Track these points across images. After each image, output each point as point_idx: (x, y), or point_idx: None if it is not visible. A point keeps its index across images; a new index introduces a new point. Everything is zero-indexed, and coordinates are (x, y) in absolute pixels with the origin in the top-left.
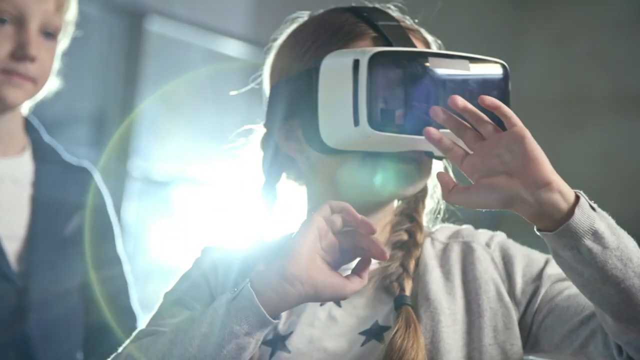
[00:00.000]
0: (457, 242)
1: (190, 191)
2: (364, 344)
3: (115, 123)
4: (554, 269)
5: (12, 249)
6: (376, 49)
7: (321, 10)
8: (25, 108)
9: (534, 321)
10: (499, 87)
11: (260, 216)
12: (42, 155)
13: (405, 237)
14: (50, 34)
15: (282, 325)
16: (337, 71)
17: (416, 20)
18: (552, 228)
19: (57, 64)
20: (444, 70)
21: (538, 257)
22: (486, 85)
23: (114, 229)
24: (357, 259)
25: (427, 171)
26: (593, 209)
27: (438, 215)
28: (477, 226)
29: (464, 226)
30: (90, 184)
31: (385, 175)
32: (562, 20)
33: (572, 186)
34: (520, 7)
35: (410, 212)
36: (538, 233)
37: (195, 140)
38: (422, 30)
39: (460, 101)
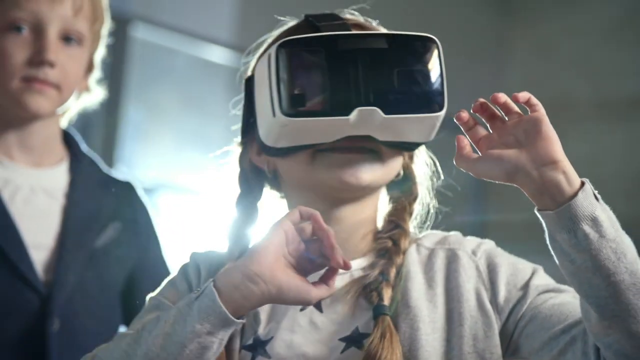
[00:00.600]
0: (442, 249)
1: (175, 198)
2: (344, 351)
3: (99, 129)
4: (541, 280)
5: (40, 258)
6: (283, 39)
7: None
8: (65, 120)
9: (517, 328)
10: (424, 61)
11: (241, 228)
12: (79, 167)
13: (388, 244)
14: (71, 40)
15: (262, 330)
16: (260, 70)
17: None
18: (552, 208)
19: (96, 73)
20: (358, 50)
21: (524, 267)
22: (408, 60)
23: (154, 245)
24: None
25: (377, 159)
26: (597, 198)
27: (426, 223)
28: (465, 233)
29: (452, 233)
30: (127, 201)
31: (330, 167)
32: (546, 27)
33: None
34: (504, 13)
35: (396, 218)
36: (537, 213)
37: (180, 147)
38: (381, 29)
39: (502, 97)
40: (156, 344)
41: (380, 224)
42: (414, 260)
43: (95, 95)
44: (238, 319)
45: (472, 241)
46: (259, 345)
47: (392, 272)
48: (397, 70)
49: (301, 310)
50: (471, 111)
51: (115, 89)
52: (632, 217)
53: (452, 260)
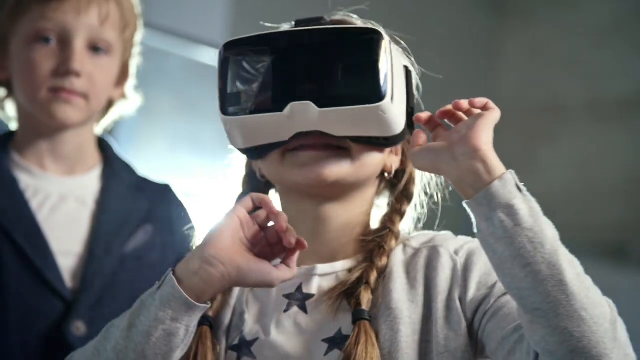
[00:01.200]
0: (426, 247)
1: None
2: (327, 353)
3: None
4: None
5: (67, 265)
6: (227, 40)
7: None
8: (101, 127)
9: (480, 326)
10: (364, 54)
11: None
12: (112, 173)
13: (373, 245)
14: (100, 49)
15: (247, 331)
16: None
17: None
18: (472, 197)
19: (132, 80)
20: (298, 46)
21: None
22: (347, 53)
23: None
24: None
25: (345, 155)
26: (520, 189)
27: (418, 225)
28: (461, 234)
29: (442, 232)
30: (163, 204)
31: (295, 166)
32: (539, 29)
33: (549, 194)
34: (497, 15)
35: (386, 219)
36: (464, 204)
37: (173, 149)
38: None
39: (464, 103)
40: (123, 336)
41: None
42: (398, 260)
43: (132, 102)
44: (204, 303)
45: (458, 240)
46: (244, 346)
47: (373, 276)
48: (335, 64)
49: (285, 311)
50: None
51: None
52: (626, 218)
53: (432, 257)
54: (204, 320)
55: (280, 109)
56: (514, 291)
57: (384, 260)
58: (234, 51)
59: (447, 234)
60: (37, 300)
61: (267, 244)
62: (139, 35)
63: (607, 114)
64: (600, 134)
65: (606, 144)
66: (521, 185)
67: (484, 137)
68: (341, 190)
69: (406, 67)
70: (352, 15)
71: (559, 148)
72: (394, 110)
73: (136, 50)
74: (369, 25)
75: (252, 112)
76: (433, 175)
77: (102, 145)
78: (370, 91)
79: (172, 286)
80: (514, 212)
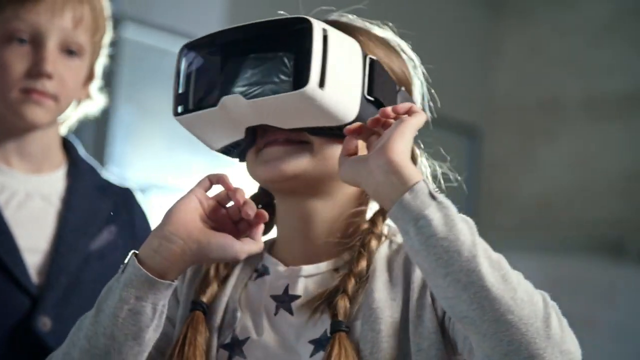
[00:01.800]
0: None
1: (166, 199)
2: (313, 355)
3: (90, 130)
4: None
5: (34, 262)
6: (184, 43)
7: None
8: (65, 127)
9: (450, 324)
10: (290, 43)
11: None
12: (77, 173)
13: (356, 247)
14: (72, 52)
15: (239, 330)
16: None
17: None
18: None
19: (97, 82)
20: (230, 42)
21: None
22: (274, 44)
23: None
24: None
25: (306, 149)
26: (433, 197)
27: None
28: None
29: None
30: (126, 206)
31: (260, 163)
32: (537, 27)
33: (548, 191)
34: (494, 13)
35: (372, 219)
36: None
37: (171, 147)
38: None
39: (389, 111)
40: (92, 322)
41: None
42: (382, 257)
43: (96, 102)
44: (169, 280)
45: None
46: (235, 345)
47: (350, 284)
48: (264, 56)
49: (275, 314)
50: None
51: (106, 89)
52: (624, 215)
53: None
54: (197, 306)
55: (215, 105)
56: (442, 301)
57: (362, 265)
58: (181, 53)
59: None
60: (4, 296)
61: (231, 222)
62: (108, 38)
63: (605, 111)
64: (598, 131)
65: (604, 141)
66: (435, 192)
67: (398, 147)
68: (306, 184)
69: (371, 58)
70: (348, 15)
71: (557, 146)
72: (327, 98)
73: (104, 51)
74: (301, 15)
75: (192, 111)
76: (429, 171)
77: (67, 145)
78: (295, 79)
79: (133, 266)
80: (427, 223)
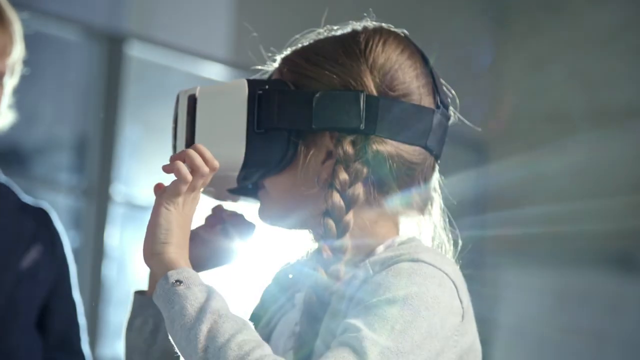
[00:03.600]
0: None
1: None
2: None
3: (97, 148)
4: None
5: None
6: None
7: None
8: None
9: None
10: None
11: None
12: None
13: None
14: None
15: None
16: None
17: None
18: None
19: (7, 100)
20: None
21: (387, 297)
22: (188, 112)
23: (69, 270)
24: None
25: (263, 193)
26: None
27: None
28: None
29: (411, 246)
30: (45, 225)
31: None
32: (541, 40)
33: (554, 203)
34: (499, 27)
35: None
36: None
37: None
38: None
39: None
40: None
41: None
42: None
43: (5, 119)
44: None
45: (403, 258)
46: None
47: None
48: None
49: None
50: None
51: (111, 108)
52: (632, 227)
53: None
54: None
55: None
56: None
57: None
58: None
59: (415, 248)
60: None
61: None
62: (19, 61)
63: (610, 123)
64: (604, 143)
65: (610, 153)
66: (176, 281)
67: (146, 248)
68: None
69: (259, 93)
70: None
71: (564, 158)
72: (198, 156)
73: (16, 72)
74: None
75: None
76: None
77: None
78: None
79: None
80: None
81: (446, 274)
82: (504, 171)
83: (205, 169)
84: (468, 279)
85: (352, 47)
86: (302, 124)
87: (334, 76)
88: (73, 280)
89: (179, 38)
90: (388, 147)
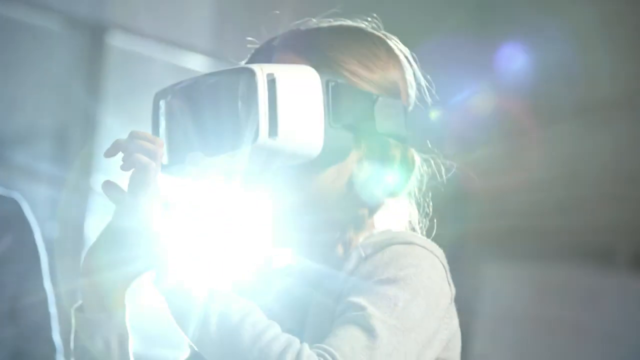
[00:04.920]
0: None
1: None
2: None
3: (78, 138)
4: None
5: None
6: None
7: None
8: None
9: None
10: (238, 95)
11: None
12: None
13: None
14: None
15: None
16: None
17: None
18: None
19: None
20: (188, 95)
21: (386, 275)
22: (225, 96)
23: (40, 260)
24: None
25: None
26: None
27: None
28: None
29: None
30: (16, 215)
31: None
32: (524, 33)
33: (537, 197)
34: (485, 21)
35: None
36: None
37: None
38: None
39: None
40: None
41: None
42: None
43: None
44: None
45: (395, 240)
46: None
47: None
48: (216, 110)
49: None
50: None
51: (93, 98)
52: (614, 221)
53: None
54: None
55: (183, 160)
56: None
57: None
58: (153, 102)
59: (395, 233)
60: None
61: None
62: None
63: (593, 116)
64: (586, 136)
65: (593, 147)
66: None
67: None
68: None
69: (333, 84)
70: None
71: (546, 152)
72: (283, 144)
73: None
74: (244, 65)
75: (166, 167)
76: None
77: None
78: (248, 132)
79: None
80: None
81: (437, 256)
82: (484, 165)
83: (160, 150)
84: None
85: (387, 54)
86: (366, 125)
87: (383, 81)
88: (44, 270)
89: (161, 28)
90: (416, 156)
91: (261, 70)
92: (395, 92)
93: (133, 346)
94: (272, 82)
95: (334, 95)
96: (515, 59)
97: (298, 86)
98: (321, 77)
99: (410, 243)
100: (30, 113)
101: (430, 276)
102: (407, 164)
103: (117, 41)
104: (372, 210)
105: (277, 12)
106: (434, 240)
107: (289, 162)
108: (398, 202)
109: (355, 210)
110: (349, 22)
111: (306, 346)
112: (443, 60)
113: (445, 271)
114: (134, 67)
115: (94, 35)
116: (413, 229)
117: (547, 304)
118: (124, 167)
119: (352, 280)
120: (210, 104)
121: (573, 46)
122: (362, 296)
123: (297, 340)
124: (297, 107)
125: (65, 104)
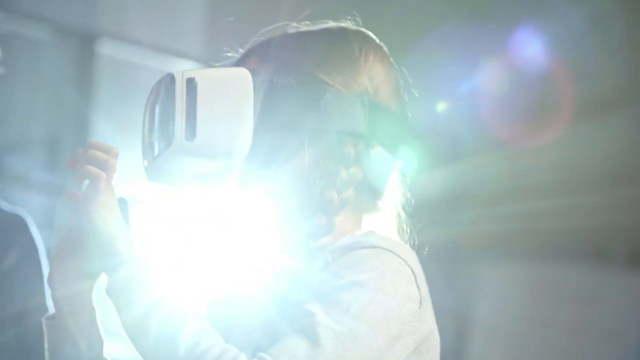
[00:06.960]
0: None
1: (146, 214)
2: None
3: (69, 146)
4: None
5: None
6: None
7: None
8: None
9: None
10: (165, 98)
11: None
12: None
13: None
14: None
15: None
16: None
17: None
18: None
19: None
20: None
21: (344, 280)
22: (161, 101)
23: (44, 279)
24: None
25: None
26: None
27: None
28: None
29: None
30: (21, 232)
31: None
32: (517, 32)
33: (532, 196)
34: (477, 20)
35: None
36: None
37: None
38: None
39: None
40: None
41: None
42: None
43: None
44: None
45: (361, 245)
46: None
47: None
48: (154, 114)
49: None
50: None
51: (84, 106)
52: (607, 220)
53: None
54: None
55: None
56: None
57: None
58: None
59: (369, 235)
60: None
61: None
62: None
63: (585, 114)
64: (579, 136)
65: (585, 146)
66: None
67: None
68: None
69: (269, 83)
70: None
71: (539, 151)
72: (202, 146)
73: None
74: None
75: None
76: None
77: None
78: (166, 137)
79: None
80: None
81: (404, 260)
82: (479, 164)
83: (112, 160)
84: (444, 273)
85: (347, 51)
86: (310, 123)
87: (339, 77)
88: (47, 287)
89: (151, 36)
90: (381, 153)
91: (181, 75)
92: (358, 88)
93: (118, 349)
94: (192, 86)
95: (270, 96)
96: (515, 59)
97: (223, 89)
98: (259, 79)
99: (375, 247)
100: (22, 121)
101: (392, 280)
102: (370, 162)
103: (107, 49)
104: (333, 212)
105: (268, 19)
106: (433, 242)
107: (214, 165)
108: (386, 204)
109: (316, 214)
110: (322, 25)
111: (243, 356)
112: (442, 60)
113: (414, 275)
114: (125, 75)
115: (84, 44)
116: (402, 231)
117: (545, 304)
118: (74, 179)
119: (314, 285)
120: (146, 110)
121: (573, 46)
122: (317, 302)
123: (232, 350)
124: (220, 109)
125: (56, 112)
